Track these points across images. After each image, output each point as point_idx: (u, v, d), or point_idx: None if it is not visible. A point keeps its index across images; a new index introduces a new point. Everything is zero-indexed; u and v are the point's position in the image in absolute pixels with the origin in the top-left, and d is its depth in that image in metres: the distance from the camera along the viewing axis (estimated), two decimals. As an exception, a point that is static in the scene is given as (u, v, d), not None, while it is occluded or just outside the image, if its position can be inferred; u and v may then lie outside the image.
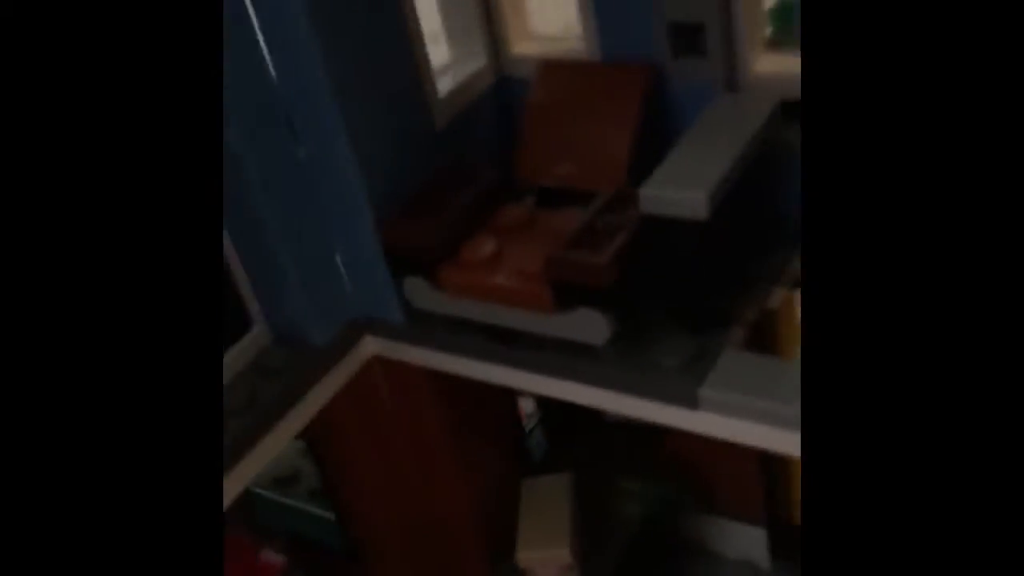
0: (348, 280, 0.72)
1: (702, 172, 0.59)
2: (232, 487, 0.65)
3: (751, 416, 0.59)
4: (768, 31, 0.68)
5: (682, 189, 0.58)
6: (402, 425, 0.78)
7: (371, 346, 0.74)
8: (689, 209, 0.58)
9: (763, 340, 0.68)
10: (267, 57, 0.63)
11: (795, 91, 0.63)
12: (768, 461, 0.85)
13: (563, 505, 0.83)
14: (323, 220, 0.69)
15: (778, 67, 0.66)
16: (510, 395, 0.87)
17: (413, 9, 0.68)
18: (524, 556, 0.80)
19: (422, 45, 0.70)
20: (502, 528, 0.83)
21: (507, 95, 0.77)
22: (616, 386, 0.63)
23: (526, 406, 0.96)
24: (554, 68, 0.73)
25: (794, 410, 0.57)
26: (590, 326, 0.62)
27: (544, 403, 0.97)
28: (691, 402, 0.61)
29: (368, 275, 0.70)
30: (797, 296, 0.68)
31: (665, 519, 0.90)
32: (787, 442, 0.58)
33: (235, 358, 0.70)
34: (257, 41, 0.63)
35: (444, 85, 0.73)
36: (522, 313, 0.65)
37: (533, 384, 0.67)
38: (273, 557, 0.77)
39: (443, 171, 0.71)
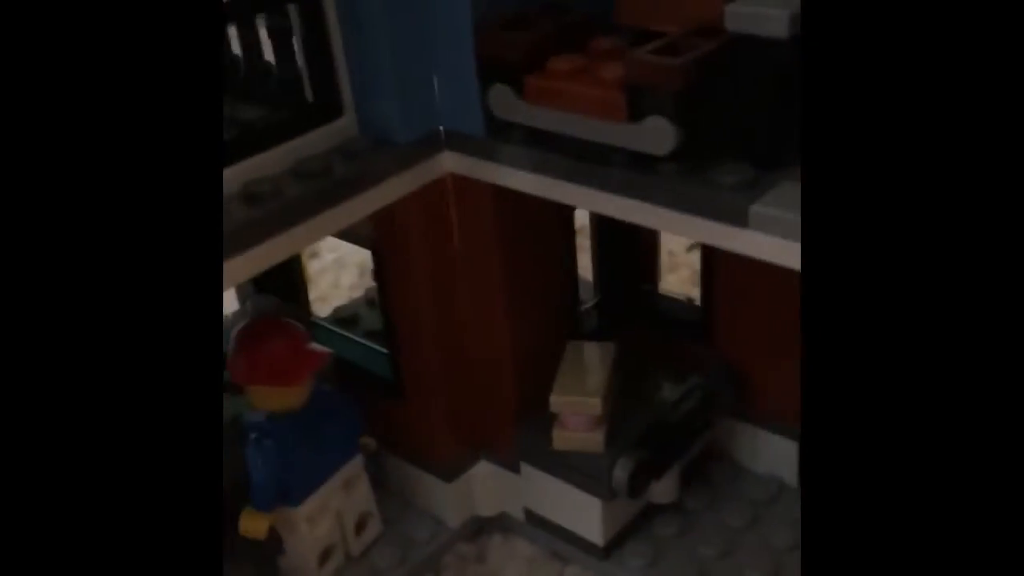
0: (438, 86, 0.76)
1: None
2: (301, 243, 0.71)
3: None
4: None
5: (767, 7, 0.61)
6: (464, 252, 0.82)
7: (448, 162, 0.78)
8: (769, 27, 0.60)
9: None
10: None
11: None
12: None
13: (603, 367, 0.85)
14: (426, 21, 0.73)
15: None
16: (571, 256, 0.90)
17: None
18: (557, 400, 0.82)
19: None
20: (540, 380, 0.86)
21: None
22: (674, 203, 0.66)
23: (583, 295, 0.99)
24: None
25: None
26: (657, 134, 0.64)
27: (603, 285, 0.99)
28: (741, 220, 0.63)
29: (458, 82, 0.74)
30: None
31: (698, 414, 0.91)
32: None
33: (320, 138, 0.75)
34: None
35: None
36: (595, 123, 0.67)
37: (598, 203, 0.70)
38: (321, 347, 0.80)
39: (544, 4, 0.75)
